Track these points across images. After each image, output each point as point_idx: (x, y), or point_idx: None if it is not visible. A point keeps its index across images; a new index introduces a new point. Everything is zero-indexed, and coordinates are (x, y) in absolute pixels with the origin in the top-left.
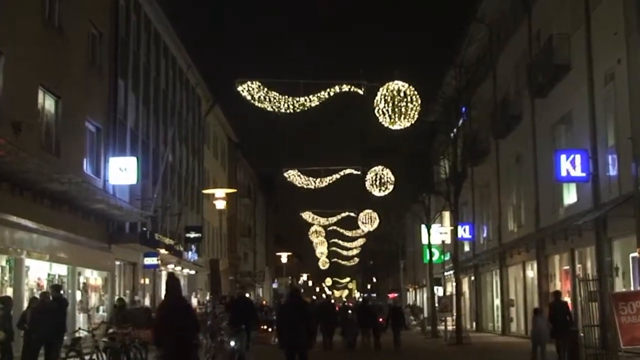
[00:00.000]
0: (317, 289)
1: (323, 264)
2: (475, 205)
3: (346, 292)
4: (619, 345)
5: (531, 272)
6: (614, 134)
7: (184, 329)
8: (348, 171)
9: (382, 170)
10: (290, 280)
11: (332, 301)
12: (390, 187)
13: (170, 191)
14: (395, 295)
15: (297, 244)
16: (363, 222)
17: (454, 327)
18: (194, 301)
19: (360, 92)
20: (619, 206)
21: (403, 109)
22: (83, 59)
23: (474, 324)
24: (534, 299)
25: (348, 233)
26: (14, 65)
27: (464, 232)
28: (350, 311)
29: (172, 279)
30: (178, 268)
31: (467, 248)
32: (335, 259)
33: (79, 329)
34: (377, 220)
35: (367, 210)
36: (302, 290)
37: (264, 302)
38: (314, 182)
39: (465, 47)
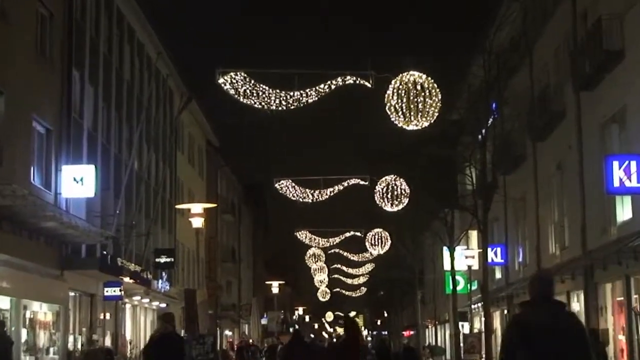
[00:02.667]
0: (316, 325)
1: (323, 294)
2: (509, 222)
3: None
4: None
5: (577, 305)
6: None
7: None
8: (353, 181)
9: (395, 181)
10: (282, 314)
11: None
12: (405, 201)
13: (136, 206)
14: (411, 332)
15: (291, 271)
16: (371, 244)
17: None
18: None
19: (368, 84)
20: None
21: (420, 106)
22: (29, 46)
23: None
24: None
25: (353, 257)
26: None
27: (494, 255)
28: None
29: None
30: (146, 300)
31: (498, 275)
32: (338, 289)
33: None
34: (389, 242)
35: (376, 230)
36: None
37: (251, 342)
38: (312, 194)
39: (496, 30)
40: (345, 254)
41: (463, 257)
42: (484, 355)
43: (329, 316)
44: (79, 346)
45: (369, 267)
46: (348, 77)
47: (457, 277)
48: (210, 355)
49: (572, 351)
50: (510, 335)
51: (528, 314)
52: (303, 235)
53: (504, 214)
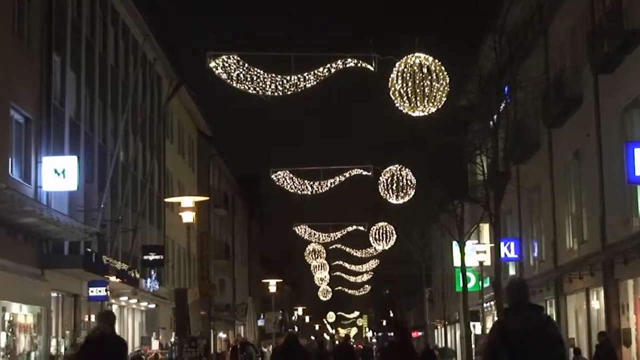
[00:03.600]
0: (317, 327)
1: (324, 293)
2: (523, 215)
3: (354, 330)
4: None
5: (597, 303)
6: None
7: None
8: (356, 172)
9: (400, 171)
10: (280, 315)
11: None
12: (411, 193)
13: (122, 200)
14: (419, 333)
15: (289, 269)
16: (376, 239)
17: None
18: (155, 344)
19: (371, 68)
20: None
21: (427, 90)
22: (5, 28)
23: None
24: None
25: (356, 253)
26: None
27: (508, 250)
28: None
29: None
30: (133, 301)
31: (512, 271)
32: (340, 287)
33: None
34: (394, 237)
35: (380, 224)
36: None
37: (246, 339)
38: (311, 186)
39: (508, 7)
40: (347, 249)
41: (474, 253)
42: None
43: (331, 317)
44: (62, 350)
45: (373, 263)
46: (349, 60)
47: (468, 274)
48: (203, 359)
49: (547, 351)
50: (492, 337)
51: (507, 318)
52: (302, 230)
53: (517, 205)
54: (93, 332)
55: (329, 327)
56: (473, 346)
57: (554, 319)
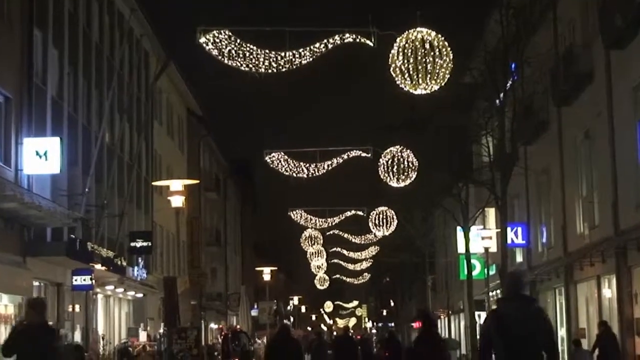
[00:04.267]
0: (313, 317)
1: (321, 282)
2: (531, 199)
3: (353, 320)
4: None
5: (609, 291)
6: None
7: None
8: (354, 153)
9: (401, 152)
10: (275, 305)
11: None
12: (413, 175)
13: (108, 184)
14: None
15: (284, 256)
16: (375, 225)
17: None
18: (143, 335)
19: (370, 43)
20: None
21: (429, 67)
22: None
23: None
24: (613, 328)
25: (355, 239)
26: None
27: (515, 236)
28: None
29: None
30: (120, 290)
31: (519, 258)
32: (338, 275)
33: None
34: (395, 222)
35: (380, 208)
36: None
37: (238, 328)
38: (307, 168)
39: None
40: (345, 235)
41: (479, 239)
42: None
43: (328, 306)
44: None
45: (372, 250)
46: (347, 35)
47: (473, 261)
48: (193, 351)
49: (538, 337)
50: (488, 325)
51: (502, 307)
52: (297, 215)
53: (525, 189)
54: (20, 323)
55: (326, 317)
56: (478, 337)
57: (564, 308)
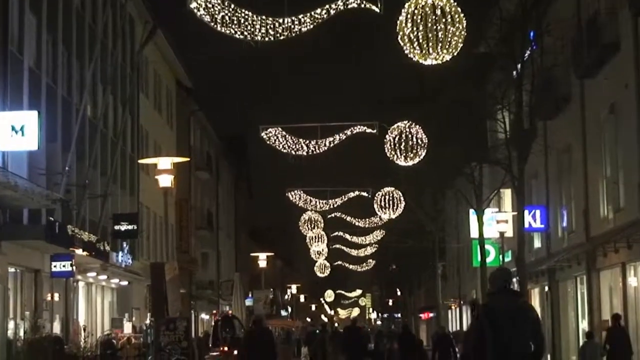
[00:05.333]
0: (313, 307)
1: (321, 269)
2: (550, 179)
3: (356, 310)
4: None
5: (634, 280)
6: None
7: None
8: (358, 129)
9: (410, 128)
10: (271, 294)
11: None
12: (422, 153)
13: (90, 162)
14: (430, 315)
15: (282, 241)
16: (381, 207)
17: None
18: (127, 327)
19: (376, 9)
20: None
21: (440, 35)
22: None
23: (549, 357)
24: (638, 319)
25: (358, 223)
26: None
27: (532, 220)
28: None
29: None
30: (103, 277)
31: (537, 244)
32: (340, 262)
33: None
34: (402, 204)
35: (386, 189)
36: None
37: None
38: (307, 145)
39: None
40: (348, 218)
41: (494, 222)
42: None
43: (329, 295)
44: (22, 334)
45: (377, 235)
46: (351, 0)
47: (487, 247)
48: (182, 343)
49: (524, 327)
50: (481, 319)
51: (492, 302)
52: (296, 196)
53: (544, 168)
54: None
55: (327, 307)
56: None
57: (585, 298)
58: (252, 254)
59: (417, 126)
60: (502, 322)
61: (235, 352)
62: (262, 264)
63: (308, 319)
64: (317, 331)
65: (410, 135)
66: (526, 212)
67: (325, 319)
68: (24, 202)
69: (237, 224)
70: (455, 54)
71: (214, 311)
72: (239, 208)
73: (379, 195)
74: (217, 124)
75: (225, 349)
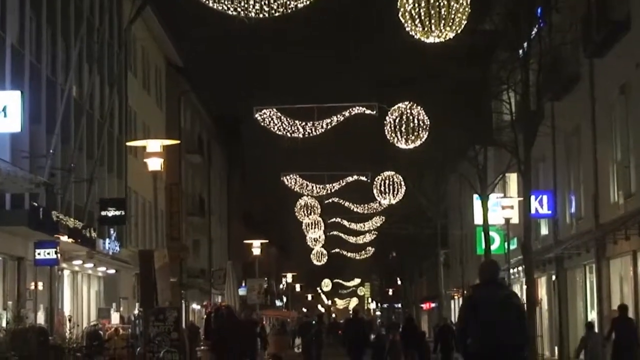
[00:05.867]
0: (309, 297)
1: (318, 257)
2: (558, 163)
3: (354, 300)
4: None
5: None
6: None
7: None
8: (357, 110)
9: (411, 109)
10: (266, 283)
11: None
12: (424, 136)
13: (75, 144)
14: (432, 305)
15: (277, 227)
16: (381, 192)
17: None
18: (115, 317)
19: None
20: None
21: (443, 12)
22: None
23: (556, 349)
24: None
25: (357, 209)
26: None
27: (539, 205)
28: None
29: None
30: (89, 265)
31: (544, 231)
32: (337, 250)
33: None
34: (403, 189)
35: (387, 173)
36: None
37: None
38: (303, 127)
39: None
40: (346, 204)
41: (499, 208)
42: None
43: (326, 285)
44: (4, 324)
45: (377, 221)
46: None
47: (492, 234)
48: (172, 334)
49: (508, 318)
50: (465, 309)
51: (477, 293)
52: (292, 181)
53: (551, 151)
54: None
55: (323, 297)
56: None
57: (595, 287)
58: (246, 241)
59: (419, 107)
60: (487, 313)
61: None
62: (256, 251)
63: (304, 309)
64: (314, 322)
65: (411, 117)
66: (533, 197)
67: (322, 310)
68: (6, 186)
69: (230, 210)
70: (458, 31)
71: (205, 302)
72: (232, 193)
73: (378, 179)
74: (209, 104)
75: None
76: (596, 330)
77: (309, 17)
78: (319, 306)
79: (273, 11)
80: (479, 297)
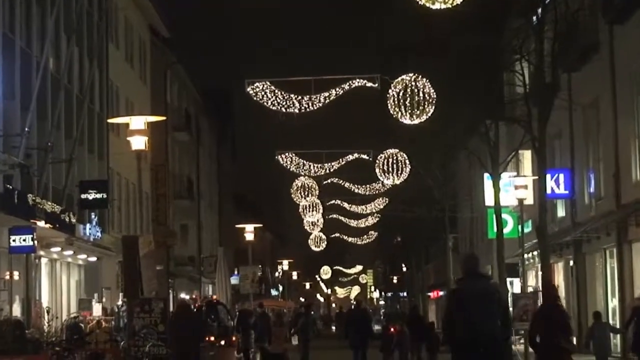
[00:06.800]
0: (307, 285)
1: (316, 242)
2: (576, 139)
3: (356, 289)
4: None
5: None
6: None
7: None
8: (358, 83)
9: (416, 82)
10: (260, 271)
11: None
12: (430, 110)
13: (53, 122)
14: (440, 293)
15: (271, 210)
16: (384, 171)
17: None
18: (97, 308)
19: None
20: None
21: None
22: None
23: (575, 340)
24: None
25: (358, 190)
26: None
27: (555, 185)
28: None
29: None
30: (68, 252)
31: (561, 212)
32: (337, 234)
33: None
34: (408, 168)
35: (390, 151)
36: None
37: (214, 298)
38: (300, 102)
39: None
40: (347, 185)
41: (512, 188)
42: None
43: (326, 272)
44: None
45: (380, 203)
46: None
47: (504, 216)
48: (159, 327)
49: (492, 309)
50: (450, 301)
51: (461, 285)
52: (287, 160)
53: (568, 126)
54: None
55: (323, 285)
56: (510, 308)
57: (616, 273)
58: (238, 226)
59: (424, 79)
60: (471, 305)
61: (223, 342)
62: (249, 236)
63: (302, 299)
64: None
65: (416, 90)
66: (548, 176)
67: (322, 299)
68: None
69: (220, 192)
70: None
71: (193, 295)
72: (223, 174)
73: (381, 158)
74: (197, 78)
75: (212, 338)
76: (604, 320)
77: None
78: (318, 295)
79: None
80: (463, 289)
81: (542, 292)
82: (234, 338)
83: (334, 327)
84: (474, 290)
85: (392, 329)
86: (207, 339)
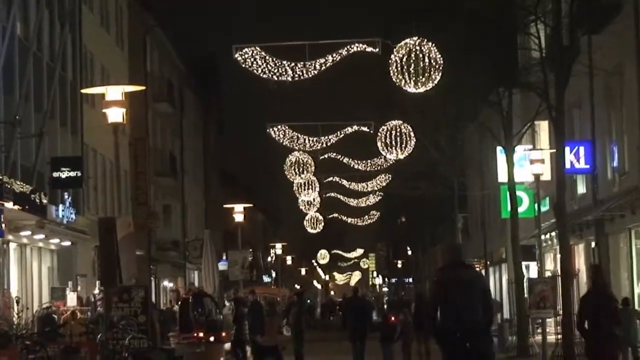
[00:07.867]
0: (303, 271)
1: (312, 224)
2: (597, 108)
3: (357, 275)
4: None
5: None
6: None
7: None
8: (357, 48)
9: (421, 46)
10: (251, 256)
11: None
12: (437, 77)
13: (21, 93)
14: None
15: (263, 189)
16: (386, 145)
17: (560, 336)
18: (71, 298)
19: None
20: None
21: None
22: None
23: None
24: None
25: (358, 165)
26: None
27: (575, 159)
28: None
29: None
30: (40, 237)
31: (581, 189)
32: (336, 214)
33: None
34: (413, 141)
35: (393, 123)
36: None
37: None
38: (293, 69)
39: None
40: (345, 160)
41: (527, 163)
42: (560, 311)
43: (323, 256)
44: None
45: (382, 180)
46: None
47: (519, 193)
48: (140, 317)
49: (474, 298)
50: (434, 291)
51: (444, 274)
52: (280, 133)
53: (588, 94)
54: None
55: (320, 271)
56: (526, 295)
57: None
58: (226, 206)
59: (430, 43)
60: (454, 294)
61: (212, 338)
62: (239, 218)
63: (297, 286)
64: (308, 301)
65: (421, 55)
66: (567, 149)
67: (319, 286)
68: None
69: (206, 169)
70: None
71: (177, 286)
72: (209, 149)
73: (383, 130)
74: (180, 43)
75: (201, 334)
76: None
77: None
78: (315, 282)
79: None
80: (446, 278)
81: (590, 278)
82: (223, 333)
83: (331, 317)
84: (456, 280)
85: (392, 318)
86: (195, 334)
